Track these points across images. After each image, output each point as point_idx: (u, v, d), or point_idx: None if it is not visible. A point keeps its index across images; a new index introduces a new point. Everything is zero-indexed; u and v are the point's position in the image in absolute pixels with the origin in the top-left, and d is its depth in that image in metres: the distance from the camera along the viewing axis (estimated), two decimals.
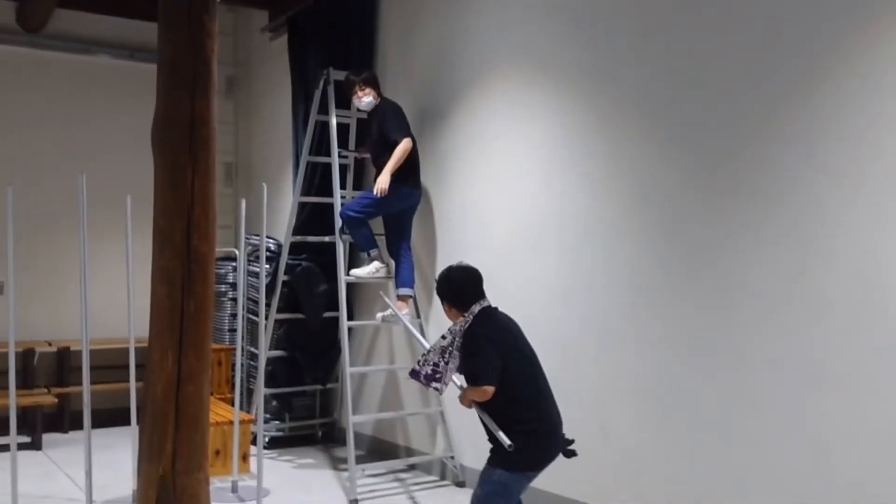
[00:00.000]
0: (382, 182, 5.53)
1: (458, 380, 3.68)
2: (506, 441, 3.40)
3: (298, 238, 6.55)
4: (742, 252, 4.00)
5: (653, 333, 4.42)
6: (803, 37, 3.75)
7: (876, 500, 3.46)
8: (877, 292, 3.47)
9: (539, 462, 3.60)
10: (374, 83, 5.89)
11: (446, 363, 3.51)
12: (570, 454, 3.62)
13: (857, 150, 3.55)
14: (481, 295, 3.69)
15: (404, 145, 5.59)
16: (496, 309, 3.73)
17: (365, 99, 5.84)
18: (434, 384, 3.59)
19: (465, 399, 3.54)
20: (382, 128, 5.74)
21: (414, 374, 3.63)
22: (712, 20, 4.14)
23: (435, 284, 3.84)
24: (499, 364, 3.47)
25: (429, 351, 3.64)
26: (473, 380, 3.51)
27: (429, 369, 3.57)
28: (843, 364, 3.59)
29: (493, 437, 3.53)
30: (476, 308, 3.62)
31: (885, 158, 3.45)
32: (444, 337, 3.61)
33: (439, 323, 5.92)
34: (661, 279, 4.39)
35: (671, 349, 4.32)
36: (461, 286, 3.70)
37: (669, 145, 4.36)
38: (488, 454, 3.62)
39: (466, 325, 3.58)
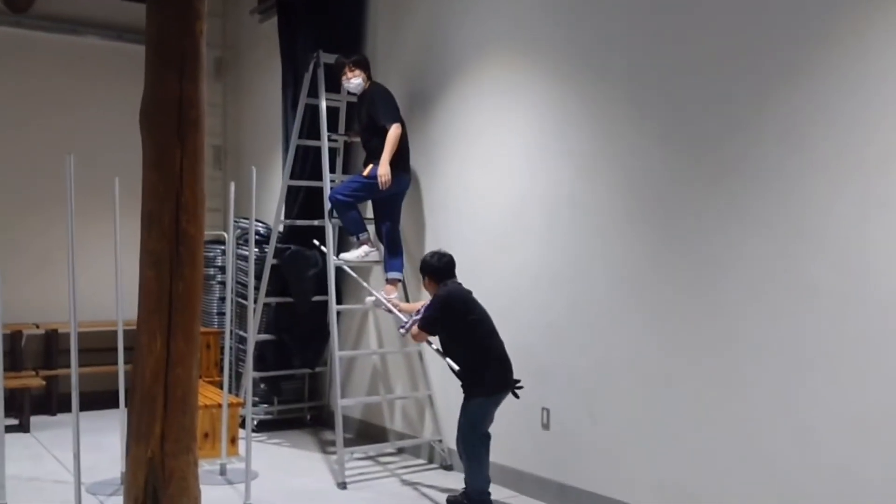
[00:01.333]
0: (385, 175, 5.52)
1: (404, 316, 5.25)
2: (454, 366, 4.79)
3: (289, 222, 6.55)
4: (729, 237, 4.01)
5: (639, 318, 4.44)
6: (792, 25, 3.75)
7: (859, 483, 3.50)
8: (862, 278, 3.50)
9: (500, 387, 4.75)
10: (363, 66, 5.88)
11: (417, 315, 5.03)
12: (517, 392, 4.75)
13: (845, 138, 3.56)
14: (453, 275, 4.96)
15: (394, 131, 5.59)
16: (460, 284, 4.94)
17: (354, 81, 5.82)
18: (402, 328, 5.12)
19: (412, 334, 4.99)
20: (372, 112, 5.72)
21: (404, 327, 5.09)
22: (702, 7, 4.14)
23: (420, 264, 5.00)
24: (438, 319, 4.83)
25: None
26: (422, 322, 4.89)
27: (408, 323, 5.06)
28: (828, 349, 3.61)
29: (462, 376, 4.78)
30: (448, 283, 4.91)
31: (872, 146, 3.47)
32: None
33: None
34: (648, 264, 4.40)
35: (658, 334, 4.35)
36: (440, 266, 4.93)
37: (658, 131, 4.36)
38: (463, 391, 4.76)
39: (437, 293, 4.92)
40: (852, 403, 3.53)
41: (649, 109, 4.41)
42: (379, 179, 5.54)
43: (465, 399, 4.77)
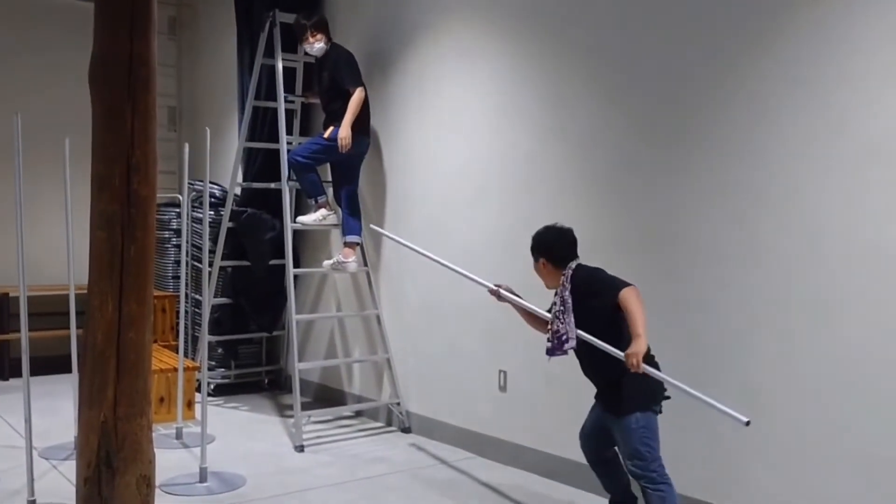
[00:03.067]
0: (346, 138, 5.47)
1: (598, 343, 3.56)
2: (684, 387, 3.36)
3: (245, 184, 6.47)
4: (683, 200, 4.05)
5: None
6: None
7: (809, 443, 3.59)
8: (816, 242, 3.56)
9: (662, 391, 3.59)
10: (324, 28, 5.78)
11: (563, 322, 3.57)
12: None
13: (804, 102, 3.60)
14: (575, 254, 3.72)
15: (358, 94, 5.54)
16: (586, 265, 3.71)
17: (317, 45, 5.73)
18: (566, 346, 3.59)
19: (636, 356, 3.34)
20: (335, 75, 5.65)
21: (550, 352, 3.66)
22: None
23: (530, 243, 3.81)
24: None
25: (548, 325, 3.68)
26: (619, 289, 3.44)
27: (555, 340, 3.62)
28: (781, 311, 3.68)
29: (613, 387, 3.56)
30: (573, 264, 3.66)
31: (830, 112, 3.51)
32: (552, 307, 3.68)
33: (387, 271, 5.93)
34: (604, 226, 4.43)
35: None
36: (559, 243, 3.72)
37: (616, 94, 4.37)
38: (610, 405, 3.62)
39: (569, 281, 3.61)
40: (799, 364, 3.61)
41: (609, 74, 4.41)
42: (339, 142, 5.49)
43: (625, 416, 3.52)
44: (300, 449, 5.29)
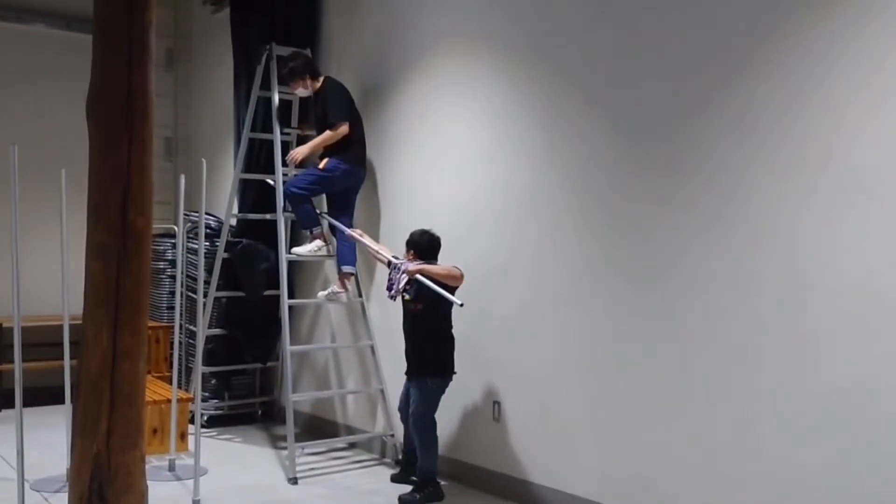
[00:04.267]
0: (298, 154, 5.74)
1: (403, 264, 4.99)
2: (457, 301, 4.77)
3: (241, 215, 6.49)
4: (678, 231, 4.07)
5: (589, 311, 4.48)
6: (742, 22, 3.82)
7: (799, 476, 3.58)
8: (804, 273, 3.57)
9: (452, 371, 4.95)
10: (300, 72, 5.79)
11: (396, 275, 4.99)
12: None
13: (790, 135, 3.63)
14: (436, 256, 5.05)
15: (339, 130, 5.62)
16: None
17: (299, 91, 5.85)
18: (391, 293, 5.01)
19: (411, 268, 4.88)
20: (325, 108, 5.72)
21: (390, 295, 5.02)
22: (654, 3, 4.18)
23: (408, 237, 5.06)
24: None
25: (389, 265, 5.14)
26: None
27: (389, 283, 5.05)
28: (770, 342, 3.69)
29: (416, 354, 4.94)
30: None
31: (815, 142, 3.55)
32: (395, 257, 5.17)
33: (381, 301, 5.93)
34: (598, 258, 4.45)
35: (608, 327, 4.39)
36: (422, 243, 5.02)
37: (609, 124, 4.40)
38: (411, 369, 4.96)
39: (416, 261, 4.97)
40: (792, 397, 3.61)
41: (601, 103, 4.45)
42: (290, 154, 5.75)
43: (420, 379, 4.90)
44: (294, 481, 5.25)
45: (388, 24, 5.91)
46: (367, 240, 5.53)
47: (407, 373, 5.03)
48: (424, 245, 5.01)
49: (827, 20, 3.51)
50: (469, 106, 5.26)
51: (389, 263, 5.13)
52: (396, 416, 5.75)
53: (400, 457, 5.49)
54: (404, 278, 4.87)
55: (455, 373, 4.95)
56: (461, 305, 4.74)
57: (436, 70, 5.52)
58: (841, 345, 3.45)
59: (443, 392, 4.93)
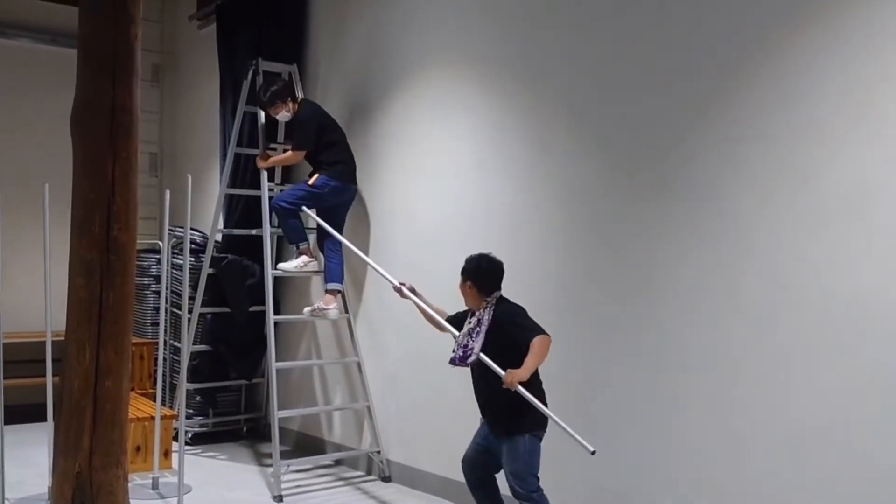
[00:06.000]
0: (260, 163, 5.85)
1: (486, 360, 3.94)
2: (549, 413, 3.80)
3: (226, 231, 6.46)
4: (663, 249, 4.08)
5: (574, 327, 4.47)
6: (725, 42, 3.84)
7: (786, 490, 3.58)
8: (790, 291, 3.58)
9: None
10: (286, 96, 5.80)
11: (474, 340, 3.98)
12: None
13: (773, 152, 3.65)
14: (499, 287, 4.08)
15: (295, 155, 5.79)
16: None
17: (282, 115, 5.83)
18: (469, 360, 3.97)
19: (514, 376, 3.73)
20: (293, 132, 5.86)
21: (453, 361, 4.06)
22: (639, 22, 4.21)
23: (463, 264, 4.13)
24: None
25: (457, 337, 4.10)
26: (536, 332, 3.82)
27: (460, 351, 4.01)
28: (757, 358, 3.69)
29: (508, 411, 3.89)
30: (497, 294, 4.04)
31: (799, 161, 3.57)
32: (469, 322, 4.07)
33: (368, 318, 5.91)
34: (583, 274, 4.45)
35: (593, 343, 4.39)
36: (490, 273, 4.07)
37: (595, 143, 4.42)
38: (503, 427, 3.95)
39: (492, 309, 3.99)
40: (779, 411, 3.61)
41: (587, 122, 4.46)
42: (258, 158, 5.87)
43: (512, 436, 3.89)
44: (279, 499, 5.21)
45: (375, 41, 5.92)
46: (416, 297, 4.52)
47: (494, 431, 4.01)
48: (484, 273, 4.05)
49: (807, 38, 3.55)
50: (455, 123, 5.27)
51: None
52: (383, 433, 5.72)
53: (386, 473, 5.44)
54: (473, 355, 3.93)
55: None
56: (593, 453, 3.72)
57: (422, 87, 5.52)
58: (827, 359, 3.46)
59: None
